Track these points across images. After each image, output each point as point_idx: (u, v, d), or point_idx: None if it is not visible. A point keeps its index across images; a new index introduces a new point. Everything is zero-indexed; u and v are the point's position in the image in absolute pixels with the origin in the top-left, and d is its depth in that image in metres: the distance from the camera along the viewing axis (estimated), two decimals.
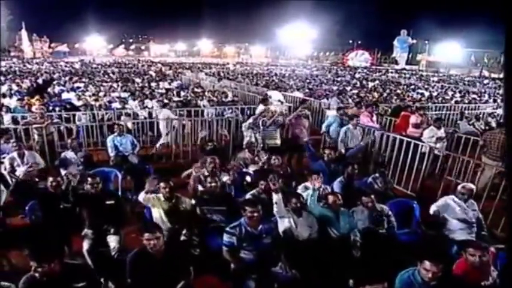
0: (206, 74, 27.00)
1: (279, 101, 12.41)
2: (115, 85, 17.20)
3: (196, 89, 16.18)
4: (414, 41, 65.92)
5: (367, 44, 74.71)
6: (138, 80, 21.15)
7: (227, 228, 4.07)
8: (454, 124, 11.99)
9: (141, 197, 4.81)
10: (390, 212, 4.85)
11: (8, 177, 5.60)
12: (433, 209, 5.16)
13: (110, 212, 4.64)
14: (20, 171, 5.88)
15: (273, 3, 69.12)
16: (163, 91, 15.54)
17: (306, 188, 5.41)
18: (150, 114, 10.72)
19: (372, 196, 4.78)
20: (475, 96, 20.17)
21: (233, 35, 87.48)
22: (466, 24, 54.67)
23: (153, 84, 18.87)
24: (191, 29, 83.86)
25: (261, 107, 8.97)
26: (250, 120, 7.54)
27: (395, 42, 66.31)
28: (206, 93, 14.57)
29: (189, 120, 9.63)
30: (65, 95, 13.78)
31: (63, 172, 6.19)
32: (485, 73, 53.90)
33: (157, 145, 9.12)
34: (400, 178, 7.59)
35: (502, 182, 6.05)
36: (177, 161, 8.87)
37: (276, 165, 6.12)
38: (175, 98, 13.32)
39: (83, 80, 19.94)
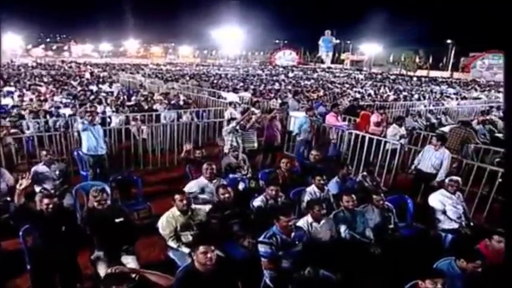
0: (143, 75, 26.16)
1: (235, 102, 12.39)
2: (53, 89, 16.17)
3: (144, 92, 15.69)
4: (338, 41, 68.82)
5: (293, 44, 76.74)
6: (74, 82, 19.99)
7: (262, 239, 4.03)
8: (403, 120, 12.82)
9: None
10: (393, 209, 5.12)
11: None
12: (431, 202, 5.51)
13: (121, 229, 4.31)
14: None
15: (199, 3, 68.81)
16: (109, 95, 14.81)
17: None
18: (103, 120, 10.20)
19: (382, 194, 5.01)
20: (405, 93, 21.51)
21: (160, 34, 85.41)
22: (384, 25, 58.25)
23: (93, 87, 17.95)
24: (116, 29, 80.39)
25: (230, 111, 8.97)
26: (233, 124, 7.49)
27: (320, 42, 68.94)
28: (157, 96, 14.12)
29: (147, 126, 9.37)
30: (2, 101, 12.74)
31: (37, 189, 5.73)
32: (403, 71, 57.86)
33: None
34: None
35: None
36: (147, 168, 8.62)
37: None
38: (128, 103, 12.82)
39: (11, 83, 18.54)
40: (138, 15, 78.58)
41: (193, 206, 5.13)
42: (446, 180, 5.56)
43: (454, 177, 5.60)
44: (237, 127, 7.45)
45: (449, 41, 59.86)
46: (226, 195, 4.79)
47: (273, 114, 8.32)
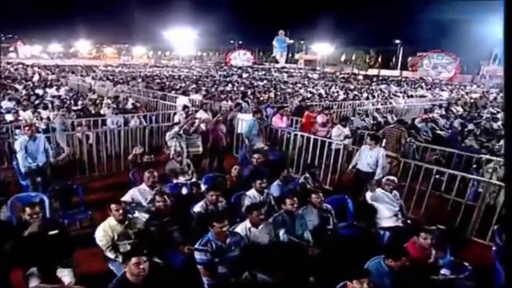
0: (93, 78, 25.36)
1: (185, 105, 12.26)
2: None
3: (92, 96, 15.26)
4: (291, 41, 69.66)
5: (248, 44, 76.98)
6: (19, 86, 19.07)
7: (197, 246, 4.03)
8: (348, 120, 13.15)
9: None
10: (332, 210, 5.24)
11: None
12: (368, 199, 5.68)
13: (55, 242, 4.15)
14: None
15: (152, 3, 67.76)
16: (54, 98, 14.27)
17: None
18: (47, 126, 9.85)
19: (320, 194, 5.13)
20: (356, 93, 22.07)
21: (112, 35, 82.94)
22: (336, 25, 59.71)
23: (39, 91, 17.20)
24: (66, 29, 76.97)
25: (180, 115, 8.90)
26: (176, 129, 7.41)
27: (274, 42, 69.49)
28: (105, 100, 13.75)
29: (93, 131, 9.09)
30: None
31: None
32: (355, 70, 59.39)
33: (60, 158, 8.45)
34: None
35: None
36: (93, 175, 8.42)
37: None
38: (74, 107, 12.42)
39: None
40: (89, 15, 76.08)
41: (136, 213, 5.11)
42: (383, 180, 5.77)
43: (391, 177, 5.82)
44: (181, 132, 7.40)
45: (397, 41, 62.11)
46: (162, 203, 4.76)
47: (218, 117, 8.32)
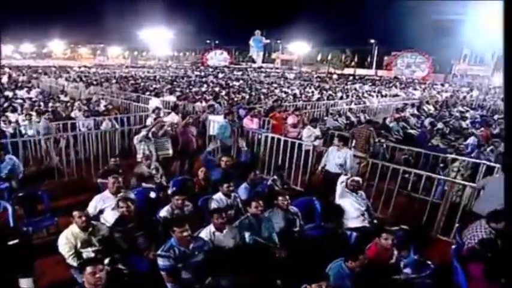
0: (66, 79, 24.71)
1: (157, 107, 12.12)
2: None
3: (64, 98, 14.96)
4: (268, 41, 69.76)
5: (225, 44, 76.74)
6: None
7: (159, 252, 4.01)
8: (321, 121, 13.25)
9: None
10: (298, 212, 5.28)
11: None
12: (336, 201, 5.74)
13: (15, 252, 4.02)
14: None
15: (127, 2, 66.89)
16: (26, 102, 13.85)
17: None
18: (15, 130, 9.61)
19: (287, 196, 5.16)
20: (330, 92, 22.24)
21: (87, 34, 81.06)
22: (311, 25, 60.07)
23: (9, 93, 16.74)
24: (39, 28, 74.86)
25: (151, 117, 8.83)
26: (143, 132, 7.34)
27: (251, 42, 69.46)
28: (76, 102, 13.48)
29: (63, 136, 8.86)
30: None
31: None
32: (332, 70, 59.99)
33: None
34: (288, 176, 8.15)
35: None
36: (62, 180, 8.28)
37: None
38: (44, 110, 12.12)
39: None
40: (63, 14, 74.21)
41: (102, 220, 5.05)
42: (348, 180, 5.84)
43: (356, 178, 5.89)
44: (149, 135, 7.33)
45: (372, 41, 62.99)
46: (125, 208, 4.69)
47: (187, 120, 8.27)
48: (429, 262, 4.66)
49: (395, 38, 56.50)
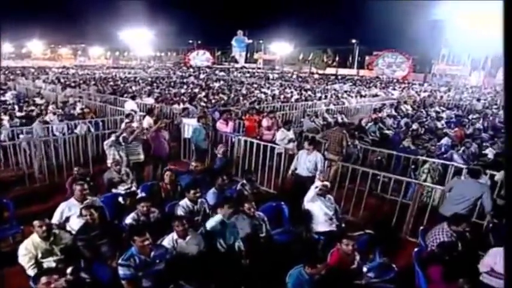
0: (44, 81, 24.22)
1: (132, 111, 12.00)
2: None
3: (40, 101, 14.69)
4: (250, 41, 69.83)
5: (207, 44, 76.59)
6: None
7: (120, 261, 3.97)
8: (299, 122, 13.32)
9: None
10: (265, 217, 5.29)
11: None
12: (305, 205, 5.75)
13: None
14: None
15: (107, 2, 66.22)
16: None
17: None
18: None
19: (253, 202, 5.16)
20: (310, 93, 22.34)
21: (68, 34, 79.65)
22: (293, 25, 60.42)
23: None
24: (18, 28, 73.22)
25: (125, 122, 8.75)
26: (113, 137, 7.25)
27: (233, 42, 69.44)
28: (50, 105, 13.21)
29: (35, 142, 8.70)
30: None
31: None
32: (313, 69, 60.35)
33: None
34: (262, 179, 8.22)
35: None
36: (33, 186, 8.15)
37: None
38: (18, 113, 11.92)
39: None
40: (43, 13, 72.87)
41: (68, 227, 4.99)
42: (316, 184, 5.86)
43: (325, 182, 5.90)
44: (119, 140, 7.25)
45: (354, 41, 63.60)
46: (89, 216, 4.64)
47: (159, 124, 8.20)
48: (394, 265, 4.71)
49: (376, 38, 57.28)
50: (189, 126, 9.38)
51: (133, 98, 14.23)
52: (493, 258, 4.41)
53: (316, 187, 5.68)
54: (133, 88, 21.38)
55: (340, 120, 14.56)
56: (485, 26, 33.27)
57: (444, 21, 42.63)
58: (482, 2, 32.86)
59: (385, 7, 46.18)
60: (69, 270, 4.14)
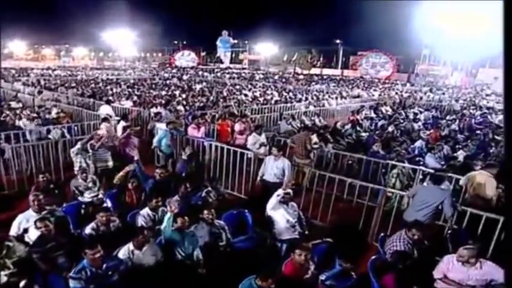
0: (24, 83, 23.72)
1: (108, 115, 11.83)
2: None
3: (15, 105, 14.44)
4: (235, 41, 69.73)
5: (192, 44, 76.42)
6: None
7: (71, 274, 3.94)
8: (276, 124, 13.32)
9: None
10: (225, 226, 5.29)
11: None
12: (268, 212, 5.73)
13: None
14: None
15: (90, 2, 65.62)
16: None
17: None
18: None
19: (212, 210, 5.16)
20: (290, 94, 22.33)
21: (51, 35, 78.46)
22: (278, 25, 60.66)
23: None
24: None
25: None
26: (78, 145, 7.17)
27: (218, 43, 69.22)
28: (24, 110, 12.94)
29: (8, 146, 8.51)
30: None
31: None
32: (298, 70, 60.58)
33: None
34: (232, 184, 8.24)
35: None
36: (2, 193, 8.01)
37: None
38: None
39: None
40: (25, 13, 71.68)
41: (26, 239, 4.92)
42: (278, 192, 5.84)
43: (288, 190, 5.89)
44: (87, 146, 7.19)
45: (338, 41, 64.01)
46: (44, 228, 4.59)
47: (129, 131, 8.15)
48: (352, 273, 4.72)
49: (359, 38, 57.72)
50: (162, 131, 9.31)
51: (107, 102, 13.95)
52: (446, 265, 4.47)
53: (279, 195, 5.67)
54: (114, 90, 21.00)
55: (318, 122, 14.51)
56: (467, 26, 33.72)
57: (426, 22, 43.04)
58: (463, 2, 33.24)
59: (370, 7, 46.57)
60: (22, 283, 4.14)
